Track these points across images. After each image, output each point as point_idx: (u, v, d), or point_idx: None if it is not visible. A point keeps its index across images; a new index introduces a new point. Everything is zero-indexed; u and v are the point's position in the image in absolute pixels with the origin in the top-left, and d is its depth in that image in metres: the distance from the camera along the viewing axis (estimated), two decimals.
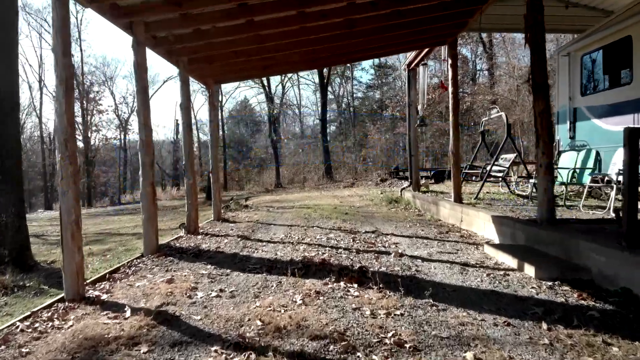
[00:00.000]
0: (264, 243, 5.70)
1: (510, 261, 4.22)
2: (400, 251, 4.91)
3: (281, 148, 33.55)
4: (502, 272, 3.87)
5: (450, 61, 7.98)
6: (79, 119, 33.00)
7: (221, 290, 3.56)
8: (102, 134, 33.37)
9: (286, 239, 5.93)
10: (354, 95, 37.36)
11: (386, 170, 24.54)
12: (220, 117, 38.48)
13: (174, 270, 4.35)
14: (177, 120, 39.27)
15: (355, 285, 3.54)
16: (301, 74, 37.90)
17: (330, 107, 35.61)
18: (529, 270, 3.82)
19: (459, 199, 7.88)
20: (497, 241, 5.39)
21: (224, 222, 7.69)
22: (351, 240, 5.68)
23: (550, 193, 4.69)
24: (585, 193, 6.57)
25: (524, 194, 8.93)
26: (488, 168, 9.16)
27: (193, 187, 6.62)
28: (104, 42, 63.99)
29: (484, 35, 22.45)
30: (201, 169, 42.17)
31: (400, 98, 26.78)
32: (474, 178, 11.92)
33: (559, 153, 8.26)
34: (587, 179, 6.60)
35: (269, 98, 28.45)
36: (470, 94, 22.31)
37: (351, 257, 4.65)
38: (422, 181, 10.94)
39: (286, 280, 3.79)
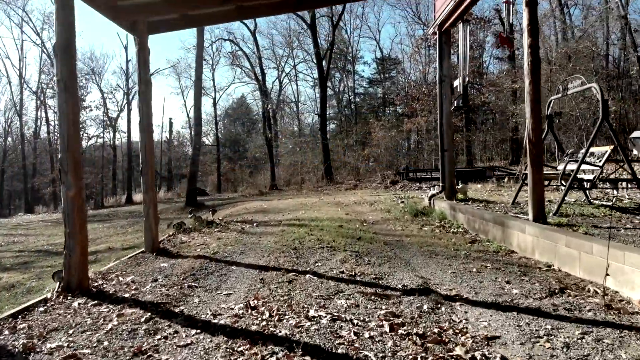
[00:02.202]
0: (190, 335, 2.48)
1: None
2: None
3: (278, 147, 30.32)
4: None
5: None
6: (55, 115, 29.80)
7: None
8: (85, 131, 30.07)
9: (245, 317, 2.70)
10: (356, 91, 34.13)
11: (392, 171, 21.35)
12: (214, 114, 35.29)
13: None
14: (170, 118, 35.99)
15: None
16: (299, 67, 34.75)
17: (330, 104, 32.40)
18: None
19: (541, 217, 4.70)
20: None
21: (157, 258, 4.47)
22: (386, 326, 2.46)
23: None
24: None
25: (626, 205, 5.76)
26: (569, 167, 5.97)
27: (76, 203, 3.35)
28: (93, 37, 60.07)
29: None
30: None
31: (406, 92, 23.61)
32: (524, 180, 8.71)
33: None
34: None
35: (264, 92, 25.21)
36: (492, 84, 19.12)
37: None
38: (459, 186, 7.76)
39: None
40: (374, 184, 19.58)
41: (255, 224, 6.72)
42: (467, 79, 7.02)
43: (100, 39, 68.59)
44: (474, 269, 3.79)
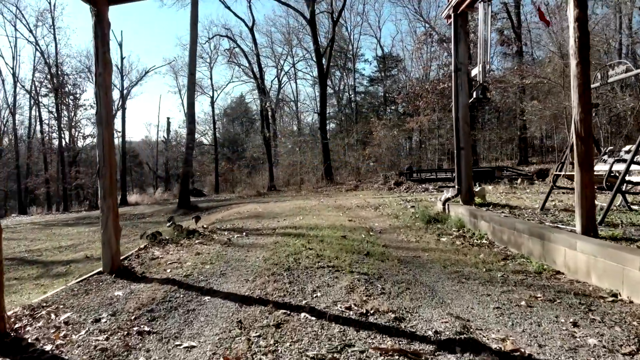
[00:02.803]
0: None
1: None
2: None
3: (277, 147, 29.36)
4: None
5: None
6: (50, 115, 28.88)
7: None
8: (80, 131, 29.13)
9: None
10: (356, 89, 33.15)
11: (394, 171, 20.40)
12: (212, 113, 34.33)
13: None
14: (168, 118, 34.94)
15: None
16: (299, 66, 33.79)
17: (329, 103, 31.43)
18: None
19: (592, 229, 3.76)
20: None
21: (115, 282, 3.51)
22: None
23: None
24: None
25: None
26: (616, 167, 5.02)
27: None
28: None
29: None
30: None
31: (409, 90, 22.65)
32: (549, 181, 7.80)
33: None
34: None
35: (262, 90, 24.23)
36: (498, 81, 18.16)
37: None
38: (477, 188, 6.81)
39: None
40: (375, 184, 18.63)
41: (245, 233, 5.75)
42: (488, 67, 6.07)
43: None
44: (522, 302, 2.84)
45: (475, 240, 5.06)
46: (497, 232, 5.00)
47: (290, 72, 33.26)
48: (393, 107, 30.36)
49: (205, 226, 6.30)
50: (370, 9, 47.44)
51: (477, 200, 6.65)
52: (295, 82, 34.20)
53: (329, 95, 30.81)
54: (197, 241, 5.09)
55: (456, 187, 6.66)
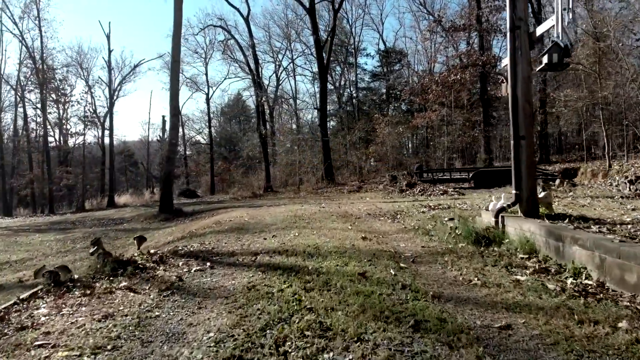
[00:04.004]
0: None
1: None
2: None
3: (275, 146, 27.30)
4: None
5: None
6: (38, 112, 26.78)
7: None
8: (68, 128, 27.04)
9: None
10: (358, 85, 31.08)
11: (399, 171, 18.39)
12: (207, 111, 32.29)
13: None
14: (163, 116, 32.86)
15: None
16: (297, 62, 31.74)
17: (330, 99, 29.36)
18: None
19: None
20: None
21: None
22: None
23: None
24: None
25: None
26: None
27: None
28: (79, 29, 55.42)
29: None
30: (187, 170, 35.91)
31: (416, 82, 20.61)
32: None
33: None
34: None
35: (257, 84, 22.15)
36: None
37: None
38: (540, 194, 4.78)
39: None
40: (380, 185, 16.59)
41: (209, 264, 3.71)
42: (571, 17, 4.03)
43: (88, 31, 64.96)
44: None
45: (569, 279, 3.06)
46: (612, 268, 2.98)
47: (288, 68, 31.26)
48: (396, 104, 28.32)
49: (152, 252, 4.21)
50: (373, 2, 45.23)
51: (542, 210, 4.64)
52: (294, 79, 32.17)
53: (329, 92, 28.75)
54: (123, 283, 3.06)
55: (513, 192, 4.64)
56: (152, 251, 4.14)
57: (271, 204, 12.31)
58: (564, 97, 12.09)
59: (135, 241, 4.29)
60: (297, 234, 5.17)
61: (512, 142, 4.71)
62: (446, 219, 5.56)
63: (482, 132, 17.86)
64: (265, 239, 5.01)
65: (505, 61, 4.99)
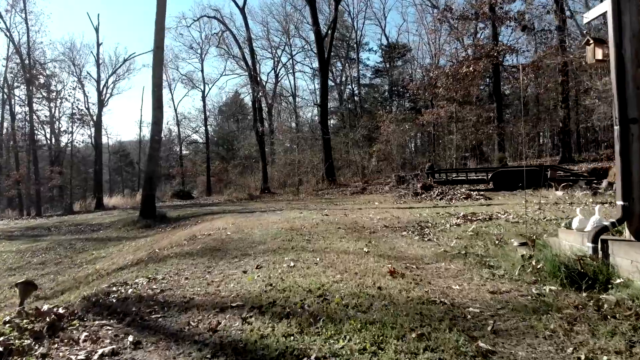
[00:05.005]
0: None
1: None
2: None
3: (273, 145, 25.67)
4: None
5: None
6: (25, 109, 25.07)
7: None
8: (59, 126, 25.36)
9: None
10: (360, 81, 29.43)
11: (405, 171, 16.79)
12: (204, 109, 30.65)
13: None
14: None
15: None
16: (297, 57, 30.06)
17: (330, 96, 27.71)
18: None
19: None
20: None
21: None
22: None
23: None
24: None
25: None
26: None
27: None
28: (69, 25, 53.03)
29: None
30: (182, 170, 34.16)
31: (424, 75, 18.98)
32: None
33: None
34: None
35: (254, 79, 20.50)
36: (526, 68, 14.50)
37: None
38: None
39: None
40: (386, 187, 14.98)
41: (132, 338, 2.10)
42: None
43: (81, 27, 62.20)
44: None
45: None
46: None
47: (288, 65, 29.62)
48: (400, 101, 26.69)
49: (50, 307, 2.42)
50: None
51: None
52: (294, 75, 30.53)
53: (330, 89, 27.12)
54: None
55: (619, 203, 3.01)
56: (46, 307, 2.46)
57: (266, 208, 10.68)
58: (602, 87, 10.43)
59: (17, 290, 2.64)
60: (292, 263, 3.54)
61: (616, 127, 3.07)
62: (514, 242, 3.87)
63: (496, 129, 16.25)
64: (245, 271, 3.37)
65: (597, 11, 3.37)
